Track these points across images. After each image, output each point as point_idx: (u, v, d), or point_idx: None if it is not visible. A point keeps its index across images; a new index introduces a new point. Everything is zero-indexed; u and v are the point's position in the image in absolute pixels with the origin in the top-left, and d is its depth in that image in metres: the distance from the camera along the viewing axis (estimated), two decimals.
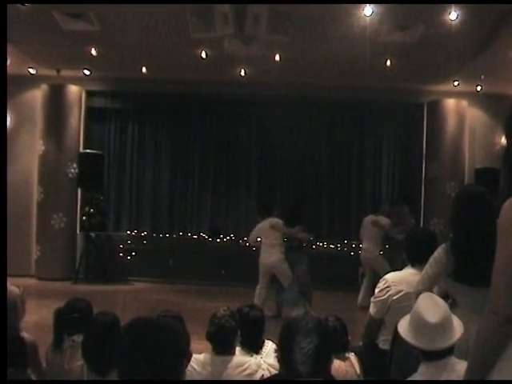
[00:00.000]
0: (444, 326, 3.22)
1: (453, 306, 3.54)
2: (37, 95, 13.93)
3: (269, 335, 4.56)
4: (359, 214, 13.08)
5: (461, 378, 2.66)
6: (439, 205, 13.18)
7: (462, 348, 3.17)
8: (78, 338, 4.05)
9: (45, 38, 10.98)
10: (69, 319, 4.39)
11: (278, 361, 2.94)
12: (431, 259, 4.10)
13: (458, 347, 3.25)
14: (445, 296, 3.78)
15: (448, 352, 3.24)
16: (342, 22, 9.88)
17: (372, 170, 14.99)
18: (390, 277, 4.80)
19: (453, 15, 9.24)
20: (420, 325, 3.24)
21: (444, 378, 3.16)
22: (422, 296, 3.44)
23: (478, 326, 2.44)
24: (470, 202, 3.84)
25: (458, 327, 3.27)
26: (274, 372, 3.76)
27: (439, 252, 4.04)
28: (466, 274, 3.66)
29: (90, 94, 14.36)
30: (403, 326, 3.38)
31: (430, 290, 4.12)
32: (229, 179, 14.88)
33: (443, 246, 4.02)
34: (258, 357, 4.44)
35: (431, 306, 3.30)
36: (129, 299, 11.86)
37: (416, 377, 3.29)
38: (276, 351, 3.12)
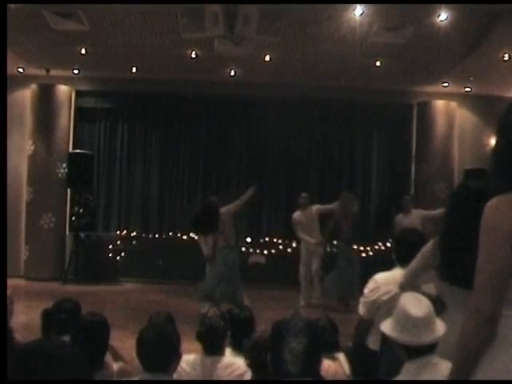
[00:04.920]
0: (428, 320, 3.26)
1: (441, 309, 3.54)
2: (26, 95, 13.87)
3: None
4: None
5: (444, 378, 2.67)
6: (429, 205, 13.20)
7: (448, 350, 3.18)
8: (68, 339, 4.03)
9: (34, 37, 10.94)
10: (57, 320, 4.38)
11: (268, 361, 2.94)
12: (419, 253, 4.12)
13: (444, 349, 3.26)
14: (434, 299, 3.77)
15: (430, 349, 3.26)
16: (332, 22, 9.90)
17: (362, 171, 15.02)
18: (380, 277, 4.80)
19: (442, 17, 9.28)
20: (404, 320, 3.27)
21: (427, 377, 3.18)
22: (404, 294, 3.48)
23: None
24: (462, 198, 3.70)
25: (440, 325, 3.30)
26: None
27: (427, 246, 4.04)
28: (451, 273, 3.64)
29: (79, 93, 14.30)
30: (386, 325, 3.40)
31: (414, 283, 4.14)
32: (219, 179, 14.87)
33: (432, 240, 4.01)
34: None
35: (414, 302, 3.34)
36: (118, 299, 11.82)
37: (399, 377, 3.31)
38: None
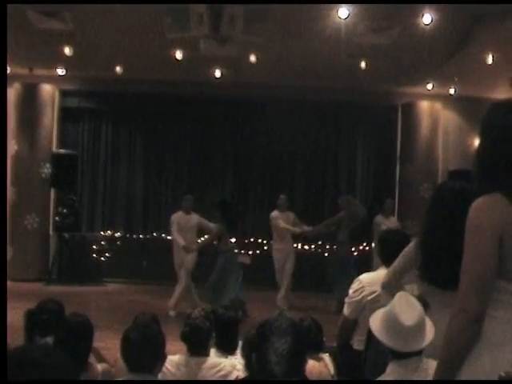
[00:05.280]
0: (418, 328, 3.22)
1: (424, 309, 3.55)
2: (9, 94, 13.74)
3: None
4: (334, 215, 13.04)
5: (430, 377, 2.68)
6: (413, 206, 13.27)
7: (431, 349, 3.18)
8: (52, 340, 4.01)
9: (18, 36, 10.86)
10: (40, 320, 4.35)
11: (253, 361, 2.94)
12: (401, 253, 4.13)
13: (426, 348, 3.26)
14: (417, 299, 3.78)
15: (417, 352, 3.26)
16: (318, 23, 9.90)
17: (346, 171, 15.07)
18: (364, 277, 4.81)
19: (427, 18, 9.31)
20: (395, 326, 3.24)
21: (413, 376, 3.18)
22: (398, 295, 3.42)
23: (446, 325, 2.46)
24: (444, 198, 3.69)
25: (430, 329, 3.29)
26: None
27: (410, 246, 4.05)
28: (431, 273, 3.65)
29: (63, 93, 14.25)
30: (376, 325, 3.37)
31: (396, 283, 4.14)
32: (203, 180, 14.85)
33: (414, 240, 4.02)
34: (233, 358, 4.44)
35: (407, 308, 3.29)
36: (102, 300, 11.79)
37: (385, 377, 3.30)
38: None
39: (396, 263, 4.15)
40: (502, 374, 2.26)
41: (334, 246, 11.91)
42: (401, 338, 3.21)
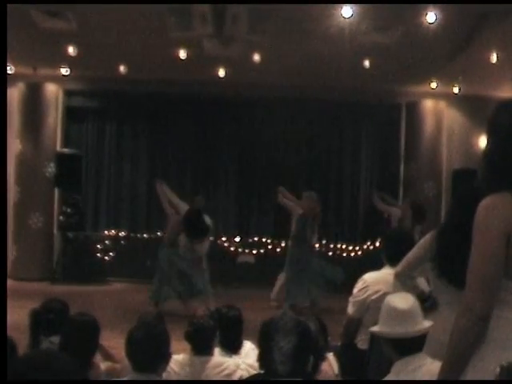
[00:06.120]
0: (413, 312, 3.31)
1: (432, 306, 3.55)
2: (13, 94, 13.76)
3: None
4: (337, 214, 13.08)
5: (434, 377, 2.68)
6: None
7: (438, 349, 3.18)
8: (57, 339, 4.02)
9: (21, 35, 10.87)
10: (44, 320, 4.36)
11: (258, 360, 2.94)
12: (417, 244, 4.14)
13: (434, 348, 3.27)
14: (426, 297, 3.78)
15: (419, 346, 3.28)
16: (321, 22, 9.88)
17: (350, 171, 15.05)
18: (369, 277, 4.82)
19: (431, 17, 9.29)
20: (391, 313, 3.32)
21: (417, 376, 3.19)
22: (390, 295, 3.52)
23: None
24: (466, 199, 3.52)
25: (426, 321, 3.34)
26: (253, 372, 3.76)
27: (426, 237, 4.05)
28: (444, 269, 3.64)
29: (67, 93, 14.24)
30: (375, 326, 3.44)
31: (410, 273, 4.15)
32: (207, 180, 14.85)
33: (431, 232, 4.01)
34: (237, 357, 4.44)
35: (400, 297, 3.41)
36: (106, 299, 11.79)
37: (390, 377, 3.31)
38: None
39: (411, 253, 4.16)
40: (504, 363, 2.27)
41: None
42: (398, 323, 3.27)
